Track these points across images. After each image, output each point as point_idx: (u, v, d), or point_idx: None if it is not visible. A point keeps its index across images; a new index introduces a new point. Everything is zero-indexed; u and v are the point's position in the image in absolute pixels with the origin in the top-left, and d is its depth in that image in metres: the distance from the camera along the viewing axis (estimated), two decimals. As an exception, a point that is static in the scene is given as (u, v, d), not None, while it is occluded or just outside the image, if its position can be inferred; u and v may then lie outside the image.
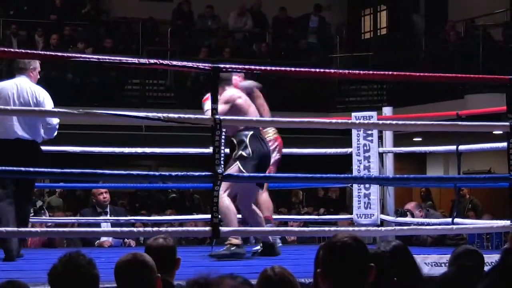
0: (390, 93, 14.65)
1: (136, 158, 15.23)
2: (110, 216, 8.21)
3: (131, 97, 14.59)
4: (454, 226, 6.58)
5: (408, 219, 8.00)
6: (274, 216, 7.75)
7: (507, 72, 6.26)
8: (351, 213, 8.30)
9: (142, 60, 5.34)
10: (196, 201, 14.31)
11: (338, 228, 6.47)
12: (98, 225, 8.09)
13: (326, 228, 5.71)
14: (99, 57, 5.45)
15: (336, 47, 16.45)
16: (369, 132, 8.02)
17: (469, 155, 12.46)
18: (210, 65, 5.19)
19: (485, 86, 12.43)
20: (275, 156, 6.97)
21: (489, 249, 8.94)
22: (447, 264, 4.42)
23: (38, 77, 6.50)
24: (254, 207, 6.57)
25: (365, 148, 8.08)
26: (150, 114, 5.25)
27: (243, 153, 6.19)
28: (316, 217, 9.37)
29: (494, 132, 8.71)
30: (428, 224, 7.51)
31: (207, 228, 5.05)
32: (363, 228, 6.87)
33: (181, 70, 13.04)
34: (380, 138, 8.17)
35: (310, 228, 7.06)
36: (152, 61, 5.20)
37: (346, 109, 14.02)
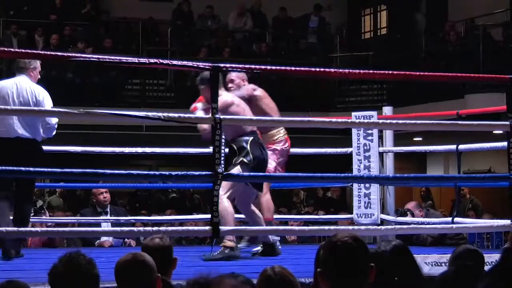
0: (390, 93, 14.65)
1: (136, 158, 15.23)
2: (110, 216, 8.22)
3: (131, 97, 14.58)
4: (454, 226, 6.58)
5: (408, 218, 8.00)
6: (275, 216, 7.75)
7: (507, 72, 6.26)
8: (352, 213, 8.30)
9: (142, 60, 5.35)
10: (196, 201, 14.31)
11: (338, 228, 6.46)
12: (98, 225, 8.09)
13: (326, 228, 5.70)
14: (99, 57, 5.46)
15: (336, 47, 16.45)
16: (369, 131, 8.02)
17: (469, 154, 12.45)
18: (210, 64, 5.19)
19: (485, 86, 12.43)
20: (284, 156, 6.95)
21: (489, 248, 8.94)
22: (447, 264, 4.42)
23: (39, 76, 6.50)
24: (253, 207, 6.57)
25: (365, 147, 8.08)
26: (150, 114, 5.25)
27: (245, 160, 6.17)
28: (316, 216, 9.36)
29: (494, 132, 8.71)
30: (428, 224, 7.51)
31: (207, 228, 5.06)
32: (363, 228, 6.88)
33: (181, 70, 13.05)
34: (380, 137, 8.17)
35: (310, 228, 7.06)
36: (152, 60, 5.21)
37: (346, 108, 14.01)
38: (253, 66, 5.95)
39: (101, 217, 8.16)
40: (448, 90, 12.89)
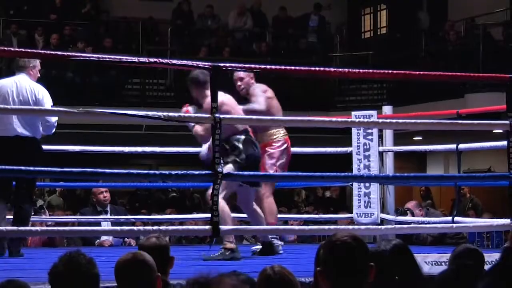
0: (390, 92, 14.65)
1: (136, 157, 15.23)
2: (110, 215, 8.22)
3: (131, 96, 14.59)
4: (454, 225, 6.58)
5: (408, 218, 8.00)
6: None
7: (507, 71, 6.26)
8: (351, 212, 8.30)
9: (142, 59, 5.34)
10: (196, 200, 14.31)
11: (338, 227, 6.46)
12: (98, 224, 8.09)
13: (326, 227, 5.70)
14: (99, 56, 5.46)
15: (336, 46, 16.45)
16: (369, 131, 8.02)
17: (469, 154, 12.45)
18: (210, 63, 5.19)
19: (485, 85, 12.44)
20: (283, 158, 6.93)
21: (489, 248, 8.94)
22: (447, 263, 4.42)
23: (39, 75, 6.51)
24: (255, 206, 6.56)
25: (365, 147, 8.08)
26: (150, 113, 5.25)
27: (237, 159, 6.15)
28: (316, 216, 9.36)
29: (494, 131, 8.72)
30: (428, 223, 7.51)
31: (207, 227, 5.05)
32: (363, 227, 6.88)
33: (181, 69, 13.04)
34: (380, 137, 8.17)
35: (310, 227, 7.06)
36: (152, 60, 5.21)
37: (346, 108, 14.00)
38: (253, 66, 5.95)
39: (101, 217, 8.16)
40: (448, 90, 12.89)
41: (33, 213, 7.02)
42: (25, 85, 6.29)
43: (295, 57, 15.15)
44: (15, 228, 5.89)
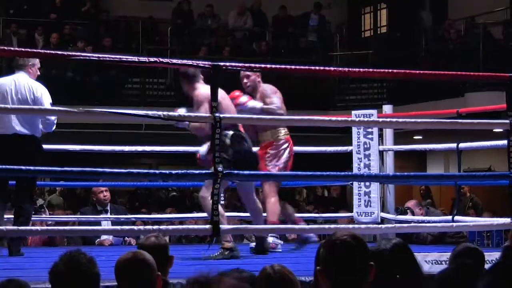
0: (390, 91, 14.65)
1: (136, 157, 15.23)
2: (111, 214, 8.22)
3: (131, 95, 14.59)
4: (455, 224, 6.58)
5: (409, 217, 8.01)
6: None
7: (507, 70, 6.26)
8: (352, 211, 8.30)
9: (142, 59, 5.34)
10: (196, 199, 14.28)
11: (338, 226, 6.46)
12: (98, 223, 8.09)
13: (327, 226, 5.71)
14: (100, 56, 5.45)
15: (336, 46, 16.45)
16: (370, 130, 8.02)
17: (469, 153, 12.45)
18: (210, 63, 5.19)
19: (485, 84, 12.43)
20: (285, 158, 6.92)
21: (490, 247, 8.94)
22: (447, 262, 4.42)
23: (38, 73, 6.51)
24: (257, 201, 6.53)
25: (365, 146, 8.08)
26: (150, 113, 5.26)
27: (225, 155, 6.12)
28: (316, 215, 9.36)
29: (494, 130, 8.71)
30: (429, 222, 7.51)
31: (207, 226, 5.06)
32: (363, 226, 6.87)
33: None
34: (381, 136, 8.17)
35: (310, 226, 7.06)
36: (152, 59, 5.21)
37: (346, 107, 14.00)
38: (253, 65, 5.95)
39: (101, 216, 8.17)
40: (448, 89, 12.89)
41: (33, 213, 7.02)
42: (23, 83, 6.30)
43: (295, 56, 15.14)
44: (15, 227, 5.90)
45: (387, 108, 8.59)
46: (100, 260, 3.14)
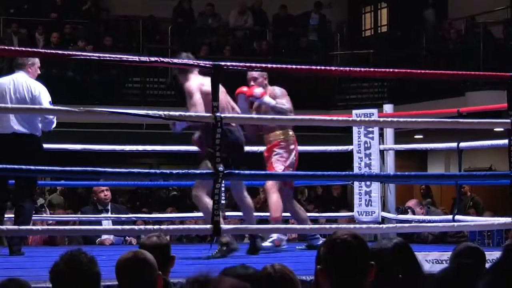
0: (391, 91, 14.65)
1: (137, 156, 15.22)
2: (111, 214, 8.22)
3: (131, 95, 14.58)
4: (455, 224, 6.58)
5: (409, 216, 8.00)
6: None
7: (507, 70, 6.26)
8: (353, 211, 8.30)
9: (143, 58, 5.35)
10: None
11: (339, 226, 6.46)
12: (99, 223, 8.10)
13: (327, 226, 5.70)
14: (100, 55, 5.45)
15: (337, 45, 16.44)
16: (370, 129, 8.02)
17: (470, 152, 12.46)
18: (211, 62, 5.19)
19: (485, 84, 12.43)
20: (292, 158, 6.94)
21: (490, 246, 8.94)
22: (448, 262, 4.42)
23: (39, 72, 6.51)
24: (250, 202, 6.50)
25: (366, 145, 8.08)
26: (150, 112, 5.26)
27: (210, 150, 6.10)
28: (317, 214, 9.36)
29: (495, 129, 8.71)
30: (429, 222, 7.51)
31: (208, 226, 5.06)
32: (364, 226, 6.87)
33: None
34: (381, 135, 8.17)
35: (311, 226, 7.06)
36: (153, 59, 5.21)
37: (346, 106, 13.99)
38: (253, 64, 5.95)
39: (102, 215, 8.17)
40: (449, 88, 12.89)
41: (34, 212, 7.03)
42: (21, 82, 6.31)
43: (295, 56, 15.14)
44: (16, 227, 5.90)
45: (388, 108, 8.59)
46: (101, 260, 3.14)
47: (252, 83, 6.90)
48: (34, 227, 6.75)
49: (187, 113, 5.45)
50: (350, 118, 7.46)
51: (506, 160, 5.59)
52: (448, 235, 7.98)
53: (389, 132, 8.25)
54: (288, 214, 7.10)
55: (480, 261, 4.08)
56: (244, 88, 6.82)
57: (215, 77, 5.13)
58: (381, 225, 7.13)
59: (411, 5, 16.27)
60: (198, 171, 5.24)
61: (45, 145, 6.57)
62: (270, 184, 6.76)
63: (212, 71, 5.15)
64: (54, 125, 6.43)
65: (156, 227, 5.04)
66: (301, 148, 7.93)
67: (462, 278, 3.80)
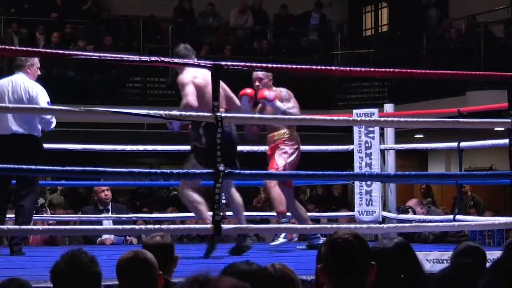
0: (392, 90, 14.64)
1: (138, 156, 15.22)
2: (112, 213, 8.22)
3: (132, 94, 14.58)
4: (456, 223, 6.58)
5: (410, 216, 8.00)
6: (275, 213, 7.74)
7: (508, 69, 6.26)
8: (353, 210, 8.30)
9: (144, 58, 5.36)
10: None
11: (340, 225, 6.45)
12: (99, 222, 8.10)
13: (328, 225, 5.70)
14: (101, 55, 5.45)
15: (337, 44, 16.44)
16: (371, 129, 8.02)
17: (471, 152, 12.45)
18: (211, 62, 5.19)
19: (486, 83, 12.42)
20: (294, 157, 6.96)
21: (491, 246, 8.94)
22: (449, 261, 4.42)
23: (39, 73, 6.51)
24: (240, 201, 6.43)
25: (366, 145, 8.08)
26: (151, 112, 5.26)
27: (197, 144, 6.10)
28: (318, 214, 9.36)
29: (495, 129, 8.70)
30: (430, 221, 7.51)
31: (208, 226, 5.05)
32: (364, 225, 6.87)
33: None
34: (382, 135, 8.17)
35: (311, 225, 7.05)
36: (153, 58, 5.21)
37: (347, 106, 13.99)
38: (254, 64, 5.95)
39: (103, 215, 8.17)
40: (449, 87, 12.88)
41: (34, 212, 7.03)
42: (19, 83, 6.32)
43: (296, 55, 15.13)
44: (16, 227, 5.90)
45: (388, 107, 8.59)
46: (102, 259, 3.14)
47: (257, 83, 6.90)
48: (34, 227, 6.75)
49: (188, 113, 5.44)
50: (351, 118, 7.46)
51: (506, 159, 5.59)
52: (448, 235, 7.98)
53: (389, 132, 8.25)
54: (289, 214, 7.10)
55: (480, 260, 4.08)
56: (248, 90, 6.82)
57: (215, 76, 5.12)
58: (381, 225, 7.13)
59: (411, 4, 16.26)
60: (198, 171, 5.23)
61: (46, 145, 6.57)
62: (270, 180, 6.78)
63: (213, 71, 5.15)
64: (53, 125, 6.43)
65: (156, 226, 5.04)
66: (302, 147, 7.93)
67: (462, 278, 3.80)
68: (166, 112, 5.09)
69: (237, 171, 5.89)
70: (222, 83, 6.07)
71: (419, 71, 6.61)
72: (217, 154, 4.92)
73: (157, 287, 3.23)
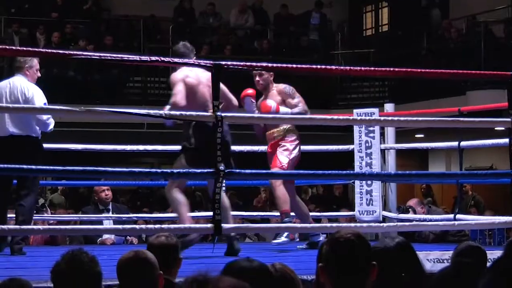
0: (392, 90, 14.64)
1: (138, 156, 15.22)
2: (112, 213, 8.22)
3: (132, 94, 14.58)
4: (456, 222, 6.58)
5: (410, 215, 8.00)
6: (275, 213, 7.75)
7: (508, 68, 6.25)
8: (354, 210, 8.30)
9: (144, 58, 5.35)
10: (198, 198, 14.30)
11: (341, 224, 6.46)
12: (100, 222, 8.10)
13: (329, 225, 5.70)
14: (101, 55, 5.45)
15: (338, 44, 16.44)
16: (371, 128, 8.02)
17: (471, 151, 12.46)
18: (211, 62, 5.19)
19: (486, 83, 12.42)
20: (296, 153, 6.96)
21: (491, 245, 8.94)
22: (449, 261, 4.42)
23: (38, 75, 6.53)
24: (227, 201, 6.38)
25: (367, 144, 8.08)
26: (152, 111, 5.25)
27: (186, 144, 6.10)
28: (318, 214, 9.35)
29: (496, 128, 8.71)
30: (431, 221, 7.51)
31: (209, 225, 5.05)
32: (365, 224, 6.87)
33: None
34: (382, 134, 8.17)
35: (312, 225, 7.05)
36: (153, 58, 5.21)
37: (347, 106, 14.00)
38: (254, 64, 5.95)
39: (103, 215, 8.17)
40: (450, 87, 12.88)
41: (34, 212, 7.03)
42: (17, 85, 6.37)
43: (296, 55, 15.13)
44: (17, 226, 5.90)
45: (389, 107, 8.59)
46: (102, 259, 3.14)
47: (257, 78, 6.92)
48: (35, 227, 6.75)
49: (188, 113, 5.44)
50: (351, 117, 7.46)
51: (507, 159, 5.58)
52: (449, 234, 7.98)
53: (390, 131, 8.25)
54: (292, 214, 7.11)
55: (481, 260, 4.08)
56: (249, 90, 6.84)
57: (215, 76, 5.12)
58: (382, 224, 7.13)
59: (412, 4, 16.26)
60: (198, 171, 5.22)
61: (46, 145, 6.58)
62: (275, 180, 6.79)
63: (213, 71, 5.15)
64: (51, 126, 6.43)
65: (157, 226, 5.04)
66: (302, 147, 7.93)
67: (463, 277, 3.80)
68: (166, 112, 5.09)
69: (237, 170, 5.89)
70: (209, 86, 6.08)
71: (419, 70, 6.60)
72: (218, 153, 4.92)
73: (158, 287, 3.23)
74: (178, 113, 5.32)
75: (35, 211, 6.99)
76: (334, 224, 5.94)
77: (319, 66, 6.06)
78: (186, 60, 5.79)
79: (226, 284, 2.29)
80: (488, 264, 4.09)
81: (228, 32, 15.86)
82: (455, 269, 3.96)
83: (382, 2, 17.77)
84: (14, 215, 6.48)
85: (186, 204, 6.18)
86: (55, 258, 3.03)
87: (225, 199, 6.31)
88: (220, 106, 5.05)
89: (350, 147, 8.23)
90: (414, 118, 6.87)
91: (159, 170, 5.37)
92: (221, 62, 5.13)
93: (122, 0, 16.45)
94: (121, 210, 8.55)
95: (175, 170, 5.15)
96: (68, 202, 13.12)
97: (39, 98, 6.33)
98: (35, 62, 6.50)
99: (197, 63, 5.71)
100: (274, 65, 6.06)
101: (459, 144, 7.34)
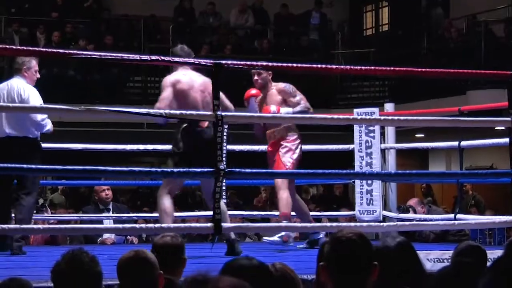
0: (392, 90, 14.64)
1: (138, 155, 15.18)
2: (113, 213, 8.22)
3: (133, 94, 14.57)
4: (457, 222, 6.58)
5: (411, 215, 8.00)
6: (275, 212, 7.75)
7: (508, 68, 6.25)
8: (354, 209, 8.30)
9: (144, 57, 5.35)
10: (198, 197, 14.30)
11: (341, 224, 6.45)
12: (100, 222, 8.09)
13: (329, 224, 5.70)
14: (101, 54, 5.45)
15: (338, 44, 16.44)
16: (371, 128, 8.02)
17: (471, 151, 12.46)
18: (211, 61, 5.18)
19: (487, 82, 12.42)
20: (297, 152, 6.97)
21: (492, 245, 8.94)
22: (449, 260, 4.41)
23: (38, 76, 6.54)
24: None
25: (367, 144, 8.08)
26: (152, 111, 5.25)
27: (175, 149, 6.12)
28: (319, 213, 9.36)
29: (496, 128, 8.70)
30: (431, 220, 7.51)
31: (209, 225, 5.05)
32: (365, 224, 6.87)
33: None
34: (382, 134, 8.17)
35: (312, 224, 7.05)
36: (154, 57, 5.21)
37: (348, 105, 13.99)
38: (254, 63, 5.95)
39: (103, 214, 8.17)
40: (450, 87, 12.88)
41: (35, 211, 7.04)
42: (14, 86, 6.41)
43: (296, 55, 15.11)
44: (17, 226, 5.90)
45: (389, 106, 8.59)
46: (102, 259, 3.14)
47: (256, 77, 6.92)
48: (35, 226, 6.75)
49: (188, 112, 5.44)
50: (351, 117, 7.47)
51: (507, 158, 5.58)
52: (449, 234, 7.98)
53: (390, 131, 8.25)
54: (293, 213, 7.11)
55: (481, 260, 4.08)
56: (253, 91, 6.84)
57: (215, 76, 5.12)
58: (382, 224, 7.13)
59: (412, 4, 16.25)
60: (198, 170, 5.22)
61: (46, 145, 6.58)
62: (280, 181, 6.78)
63: (213, 70, 5.15)
64: (48, 127, 6.42)
65: (157, 225, 5.04)
66: (303, 147, 7.94)
67: (463, 277, 3.80)
68: (166, 111, 5.08)
69: (237, 169, 5.89)
70: (201, 90, 6.08)
71: (419, 70, 6.60)
72: (218, 153, 4.92)
73: (158, 286, 3.23)
74: (178, 112, 5.31)
75: (35, 211, 6.99)
76: (334, 224, 5.93)
77: (319, 66, 6.07)
78: (186, 59, 5.78)
79: (225, 284, 2.29)
80: (488, 263, 4.09)
81: (228, 32, 15.86)
82: (455, 269, 3.96)
83: (382, 2, 17.77)
84: (13, 215, 6.48)
85: (172, 215, 6.18)
86: (56, 257, 3.02)
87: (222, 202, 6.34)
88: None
89: (350, 146, 8.23)
90: (414, 118, 6.88)
91: (159, 170, 5.37)
92: (221, 61, 5.13)
93: (122, 0, 16.45)
94: (122, 209, 8.55)
95: (175, 170, 5.15)
96: (68, 202, 13.12)
97: (34, 99, 6.34)
98: (33, 63, 6.50)
99: (197, 61, 5.70)
100: (275, 64, 6.06)
101: (459, 143, 7.34)
